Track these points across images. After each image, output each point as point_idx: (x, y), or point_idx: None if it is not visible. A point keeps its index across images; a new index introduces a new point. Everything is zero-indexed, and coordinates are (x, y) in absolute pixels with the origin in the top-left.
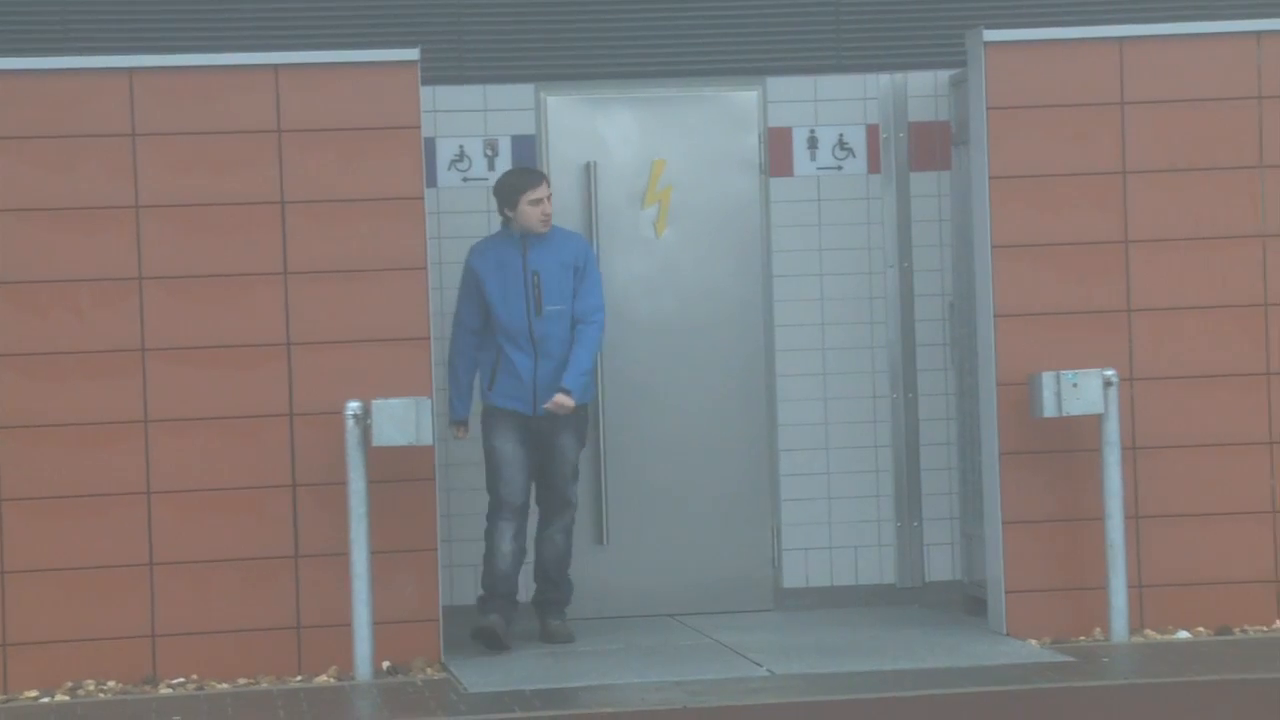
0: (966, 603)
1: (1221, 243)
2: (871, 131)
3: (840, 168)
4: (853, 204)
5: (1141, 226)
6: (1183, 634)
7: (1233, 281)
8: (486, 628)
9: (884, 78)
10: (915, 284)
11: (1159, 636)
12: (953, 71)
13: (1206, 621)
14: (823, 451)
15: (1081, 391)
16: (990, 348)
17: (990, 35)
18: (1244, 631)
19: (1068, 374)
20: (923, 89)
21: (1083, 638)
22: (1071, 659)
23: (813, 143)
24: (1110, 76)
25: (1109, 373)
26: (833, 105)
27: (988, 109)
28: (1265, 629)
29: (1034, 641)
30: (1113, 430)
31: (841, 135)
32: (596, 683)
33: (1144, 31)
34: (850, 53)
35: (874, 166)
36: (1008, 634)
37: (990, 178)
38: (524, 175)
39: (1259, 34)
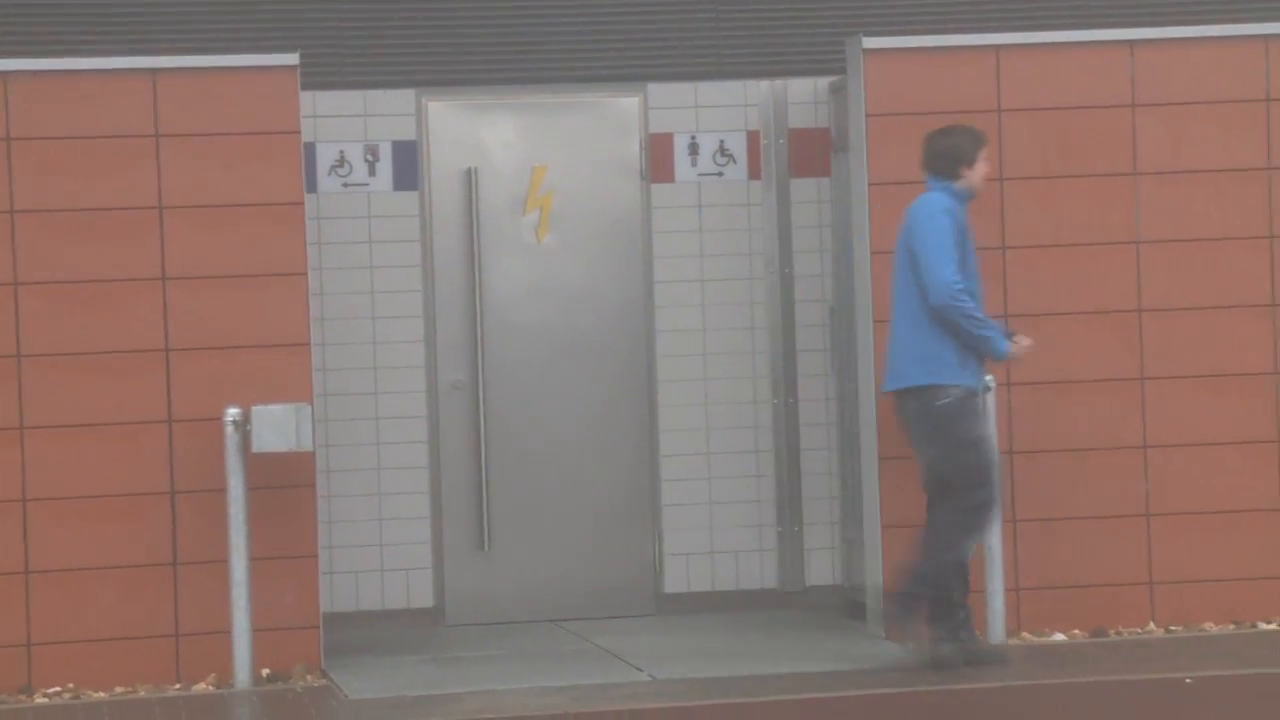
0: (847, 606)
1: (1097, 249)
2: (752, 138)
3: (721, 174)
4: (733, 210)
5: (1018, 233)
6: (1059, 636)
7: (1109, 287)
8: (949, 657)
9: (764, 84)
10: (795, 290)
11: (1035, 639)
12: (833, 78)
13: (1082, 624)
14: (704, 457)
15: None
16: (870, 352)
17: (869, 43)
18: (1119, 633)
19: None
20: (803, 95)
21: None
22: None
23: (694, 149)
24: (988, 84)
25: (988, 378)
26: (714, 111)
27: (867, 116)
28: (1139, 630)
29: (913, 644)
30: (991, 435)
31: (722, 141)
32: (478, 688)
33: (1020, 40)
34: (731, 59)
35: (754, 173)
36: (887, 637)
37: (870, 184)
38: (975, 131)
39: (1132, 43)
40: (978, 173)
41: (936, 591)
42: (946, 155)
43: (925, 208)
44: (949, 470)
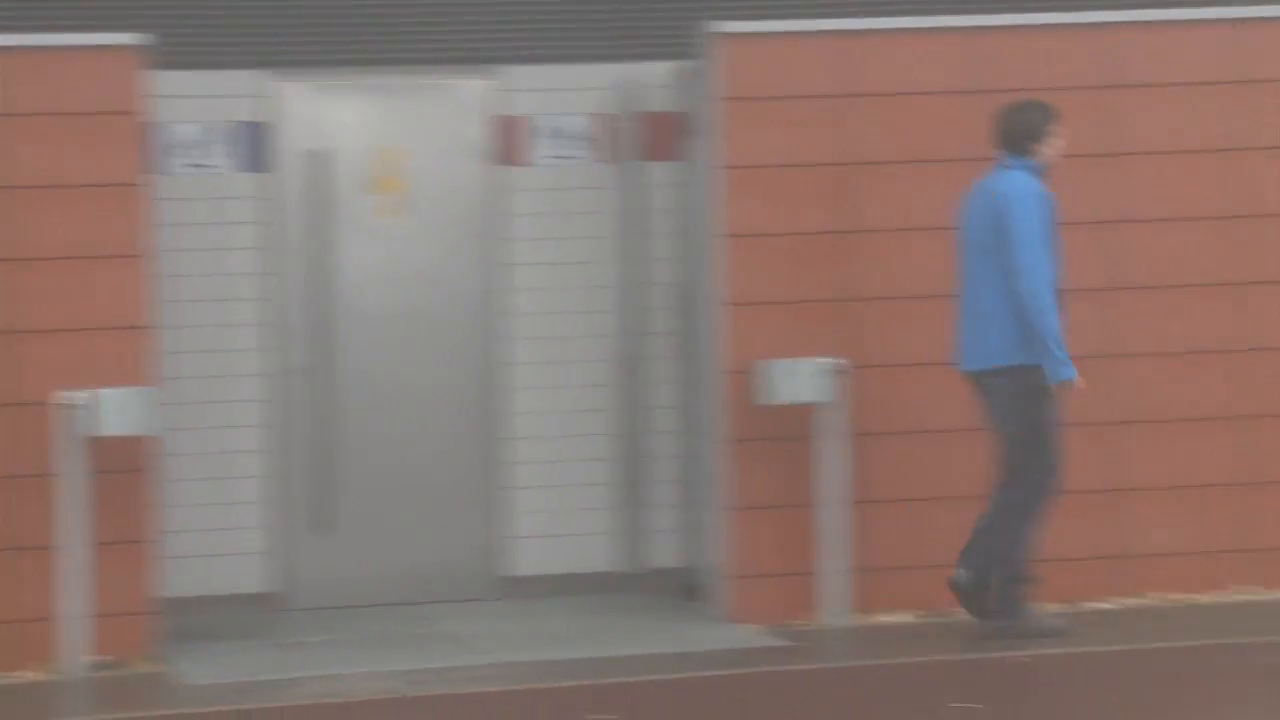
0: (690, 589)
1: (941, 233)
2: (605, 121)
3: (573, 157)
4: (585, 193)
5: (871, 217)
6: (898, 616)
7: (953, 271)
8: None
9: (618, 68)
10: (645, 273)
11: (875, 619)
12: (686, 62)
13: (922, 604)
14: (551, 440)
15: (807, 380)
16: (718, 336)
17: (722, 27)
18: (955, 614)
19: (794, 362)
20: (656, 79)
21: (802, 621)
22: (791, 643)
23: (546, 132)
24: (842, 69)
25: (834, 361)
26: (566, 95)
27: (720, 100)
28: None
29: (755, 626)
30: (836, 418)
31: (575, 125)
32: (319, 673)
33: (874, 25)
34: (584, 42)
35: (606, 156)
36: (729, 619)
37: (721, 168)
38: (1047, 106)
39: (981, 29)
40: (1051, 147)
41: (1021, 567)
42: (1020, 131)
43: (1015, 189)
44: (1033, 449)
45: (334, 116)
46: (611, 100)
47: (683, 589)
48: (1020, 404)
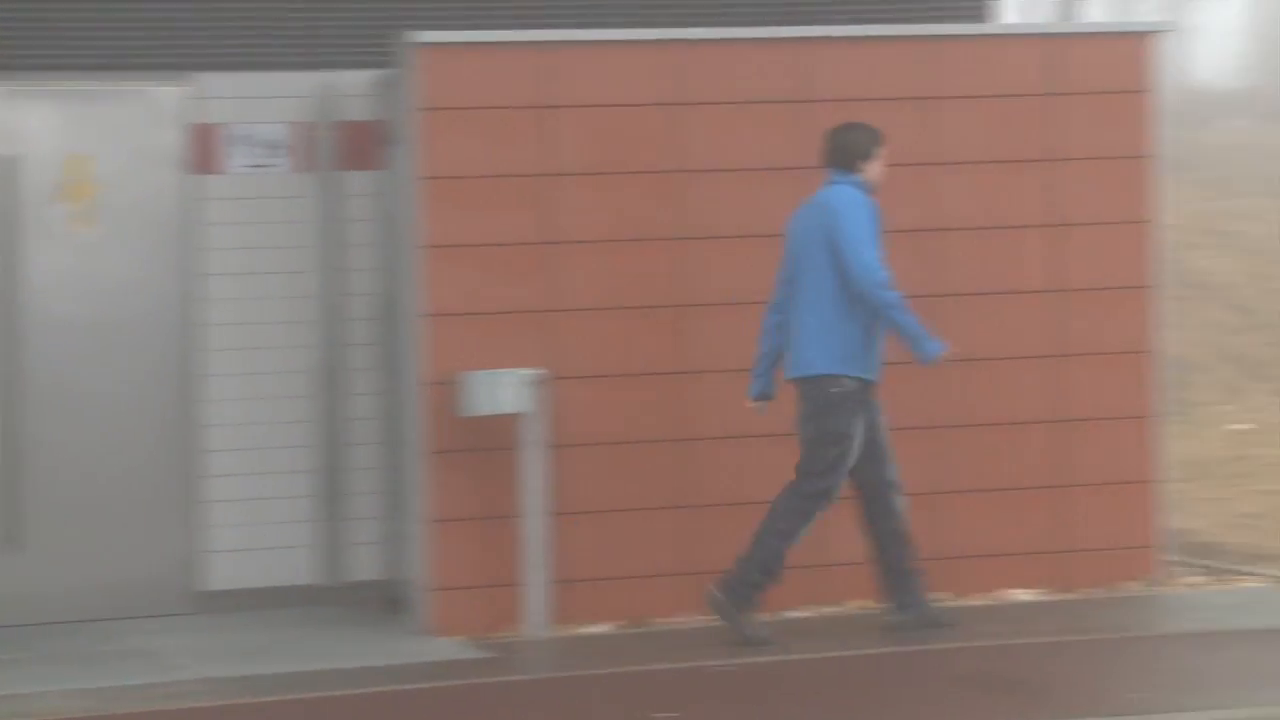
0: (391, 602)
1: (645, 244)
2: (302, 130)
3: (270, 166)
4: (282, 202)
5: (569, 228)
6: (599, 627)
7: (656, 282)
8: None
9: (316, 76)
10: (345, 284)
11: (577, 630)
12: (385, 71)
13: (622, 615)
14: (250, 452)
15: (508, 390)
16: (418, 347)
17: (421, 36)
18: (658, 623)
19: (494, 373)
20: (355, 88)
21: (504, 633)
22: (492, 655)
23: (241, 140)
24: (540, 80)
25: (534, 372)
26: (263, 102)
27: (419, 110)
28: (678, 621)
29: (456, 638)
30: (536, 428)
31: (272, 133)
32: (6, 692)
33: (573, 37)
34: (281, 50)
35: (304, 165)
36: (431, 632)
37: (421, 178)
38: (873, 129)
39: (683, 42)
40: (875, 168)
41: (764, 576)
42: (846, 149)
43: (841, 200)
44: (808, 454)
45: (25, 123)
46: (310, 109)
47: (385, 602)
48: (813, 407)
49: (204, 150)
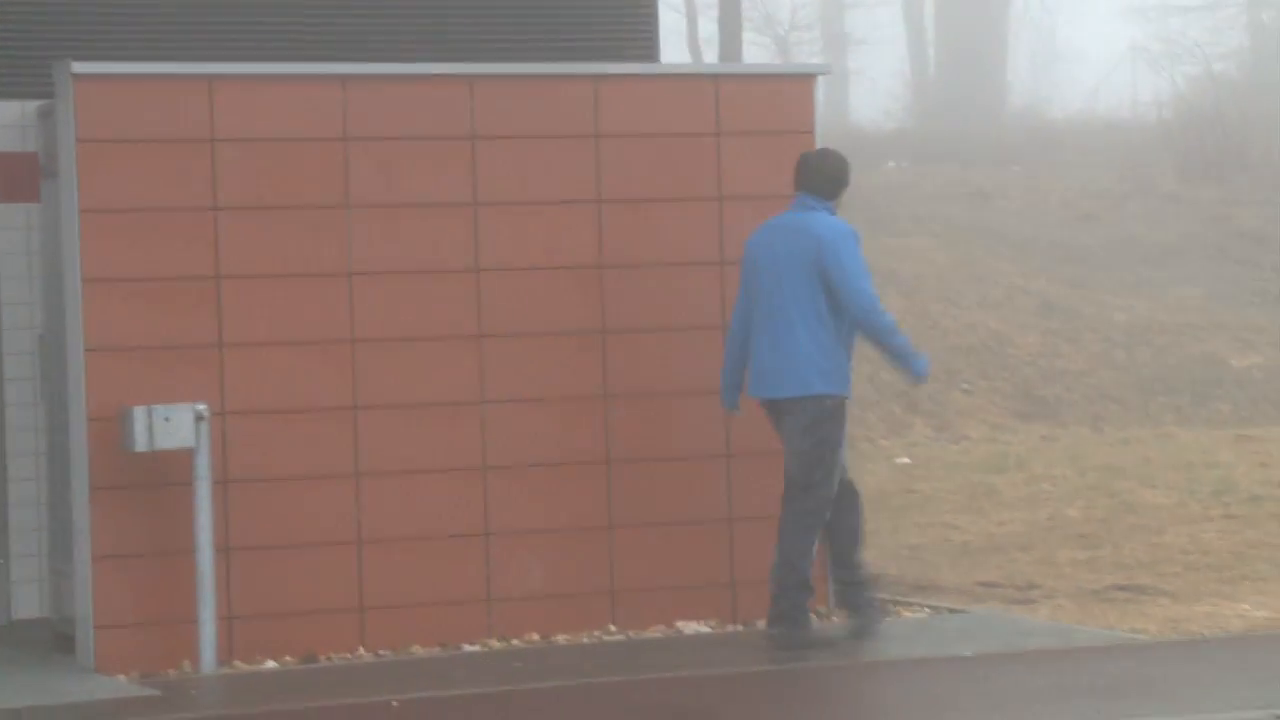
0: (56, 640)
1: (312, 280)
2: None
3: None
4: None
5: (233, 262)
6: (270, 664)
7: (322, 317)
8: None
9: None
10: (4, 318)
11: (247, 667)
12: (41, 102)
13: (294, 650)
14: None
15: (173, 425)
16: (80, 382)
17: (79, 67)
18: (329, 659)
19: (160, 408)
20: (9, 119)
21: (172, 671)
22: (159, 693)
23: None
24: (201, 113)
25: (200, 407)
26: None
27: (77, 141)
28: (349, 656)
29: (123, 676)
30: (204, 464)
31: None
32: None
33: (234, 70)
34: None
35: None
36: (97, 670)
37: (81, 211)
38: (845, 156)
39: (344, 77)
40: (843, 194)
41: (806, 594)
42: (835, 179)
43: (832, 230)
44: (808, 466)
45: None
46: None
47: (52, 640)
48: (812, 424)
49: None
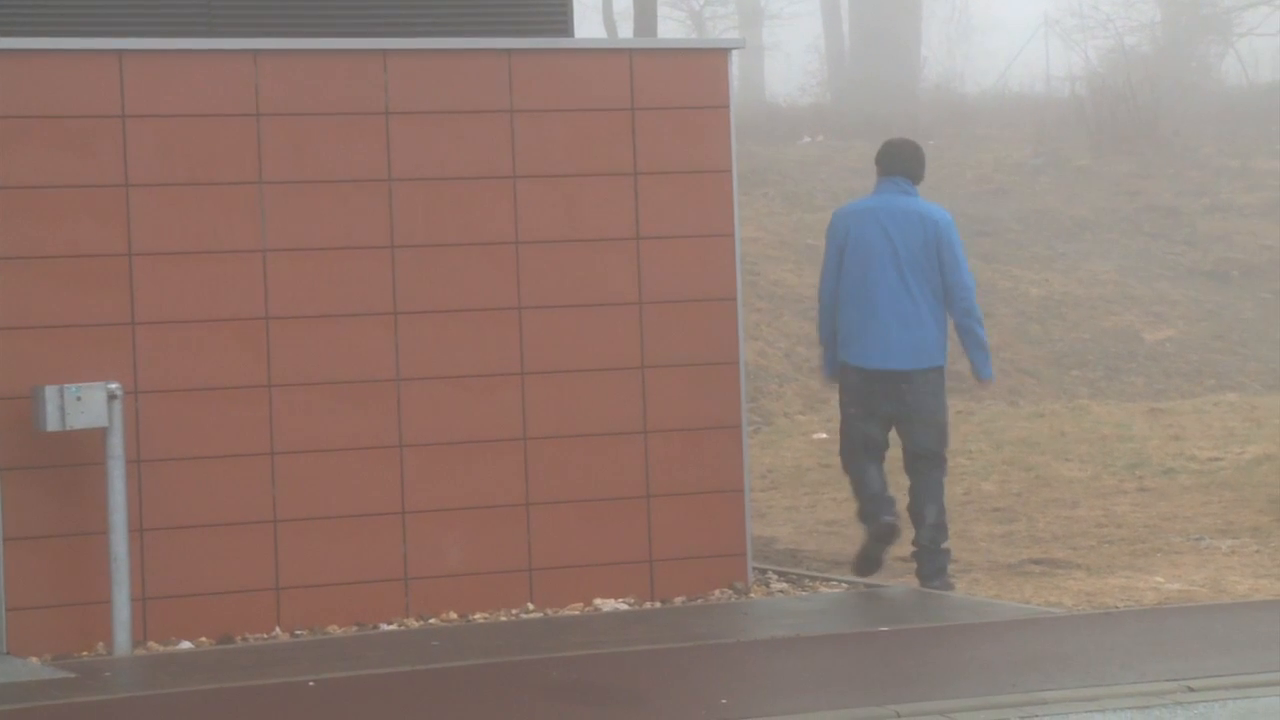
0: None
1: (224, 257)
2: None
3: None
4: None
5: (144, 239)
6: (186, 644)
7: (236, 295)
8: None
9: None
10: None
11: (162, 648)
12: None
13: (210, 631)
14: None
15: (85, 405)
16: None
17: None
18: (245, 639)
19: (71, 387)
20: None
21: (86, 653)
22: (73, 675)
23: None
24: (111, 89)
25: (112, 386)
26: None
27: None
28: (266, 636)
29: (35, 659)
30: (117, 443)
31: None
32: None
33: (142, 45)
34: None
35: None
36: (9, 652)
37: None
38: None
39: (255, 53)
40: None
41: (946, 540)
42: (919, 162)
43: (946, 217)
44: (939, 431)
45: None
46: None
47: None
48: (939, 396)
49: None
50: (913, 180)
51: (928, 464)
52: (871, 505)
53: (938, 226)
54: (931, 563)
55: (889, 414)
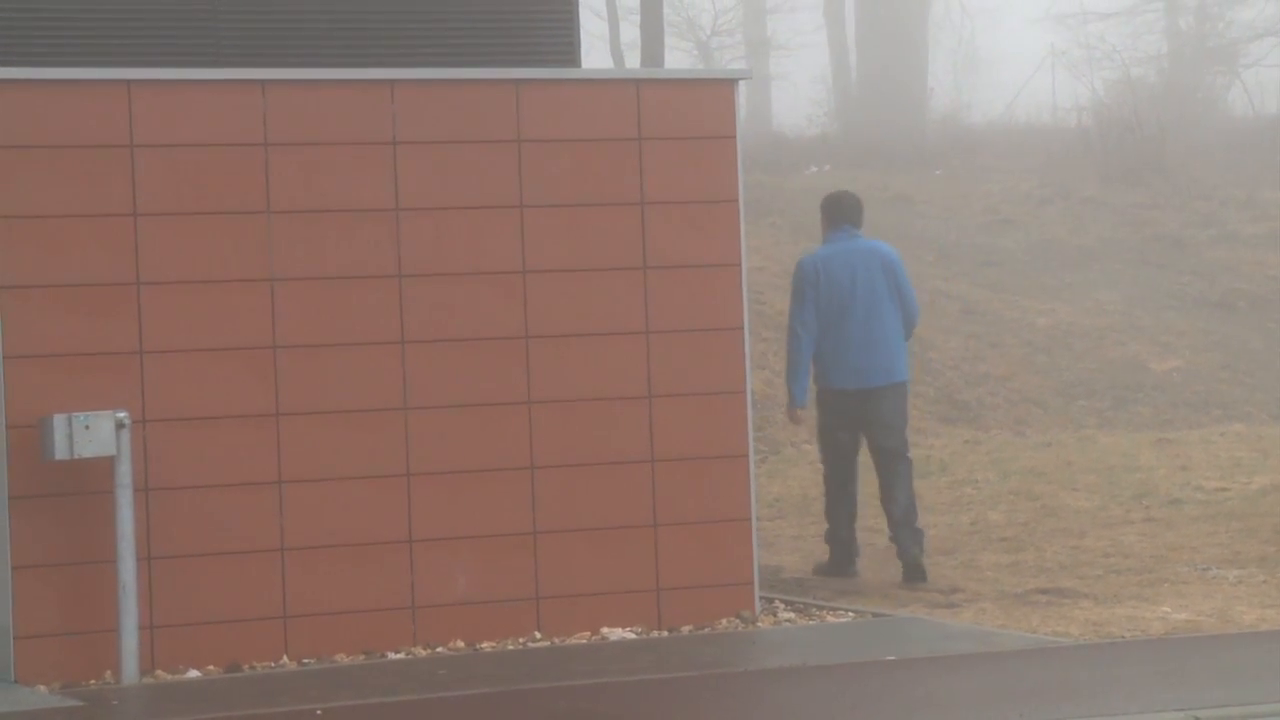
0: None
1: (231, 285)
2: None
3: None
4: None
5: (153, 268)
6: (193, 673)
7: (245, 324)
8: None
9: None
10: None
11: (170, 676)
12: None
13: (217, 660)
14: None
15: (94, 433)
16: (0, 386)
17: None
18: (253, 668)
19: (79, 416)
20: None
21: (94, 681)
22: (81, 703)
23: None
24: (120, 119)
25: (121, 414)
26: None
27: None
28: (273, 664)
29: (43, 687)
30: (125, 472)
31: None
32: None
33: (152, 75)
34: None
35: None
36: (17, 681)
37: None
38: None
39: (264, 83)
40: None
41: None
42: (861, 210)
43: (895, 254)
44: (901, 435)
45: None
46: None
47: None
48: (904, 405)
49: None
50: (857, 226)
51: (894, 458)
52: (839, 551)
53: (892, 260)
54: (910, 537)
55: (860, 422)
